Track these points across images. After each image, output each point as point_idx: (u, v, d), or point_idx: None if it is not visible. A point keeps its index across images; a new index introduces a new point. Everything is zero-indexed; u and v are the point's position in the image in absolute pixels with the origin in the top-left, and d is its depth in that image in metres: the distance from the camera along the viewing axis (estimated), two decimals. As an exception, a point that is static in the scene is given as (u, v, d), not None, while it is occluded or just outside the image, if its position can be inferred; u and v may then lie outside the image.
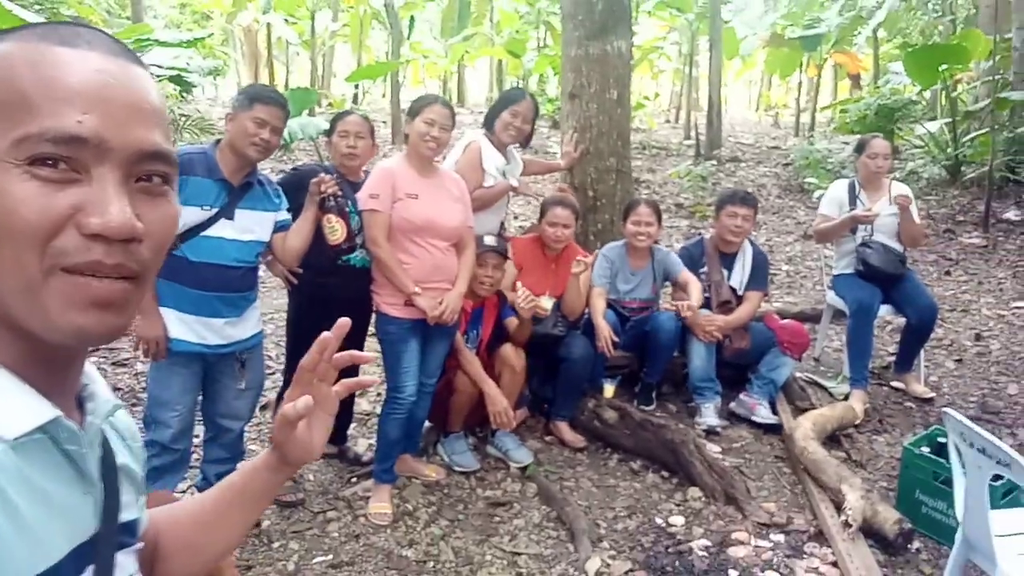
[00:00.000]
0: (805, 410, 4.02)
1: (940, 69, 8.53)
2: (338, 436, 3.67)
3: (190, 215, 2.63)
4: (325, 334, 0.89)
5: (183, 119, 10.48)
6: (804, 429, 3.51)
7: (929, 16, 15.11)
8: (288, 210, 2.93)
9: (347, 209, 3.01)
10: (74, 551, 0.65)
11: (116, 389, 4.25)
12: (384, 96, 22.07)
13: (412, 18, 20.56)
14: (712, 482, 3.32)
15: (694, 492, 3.34)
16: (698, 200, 9.31)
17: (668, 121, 20.92)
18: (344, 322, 0.89)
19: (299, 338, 3.28)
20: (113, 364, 4.55)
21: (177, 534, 0.92)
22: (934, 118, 10.31)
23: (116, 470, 0.75)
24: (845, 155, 10.15)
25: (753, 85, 33.22)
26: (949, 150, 9.42)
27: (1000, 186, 8.34)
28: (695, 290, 3.98)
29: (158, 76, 9.55)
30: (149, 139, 0.65)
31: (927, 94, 10.95)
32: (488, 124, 3.83)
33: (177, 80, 10.23)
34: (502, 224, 4.04)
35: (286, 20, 19.53)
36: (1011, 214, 8.02)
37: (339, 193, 2.92)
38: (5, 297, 0.61)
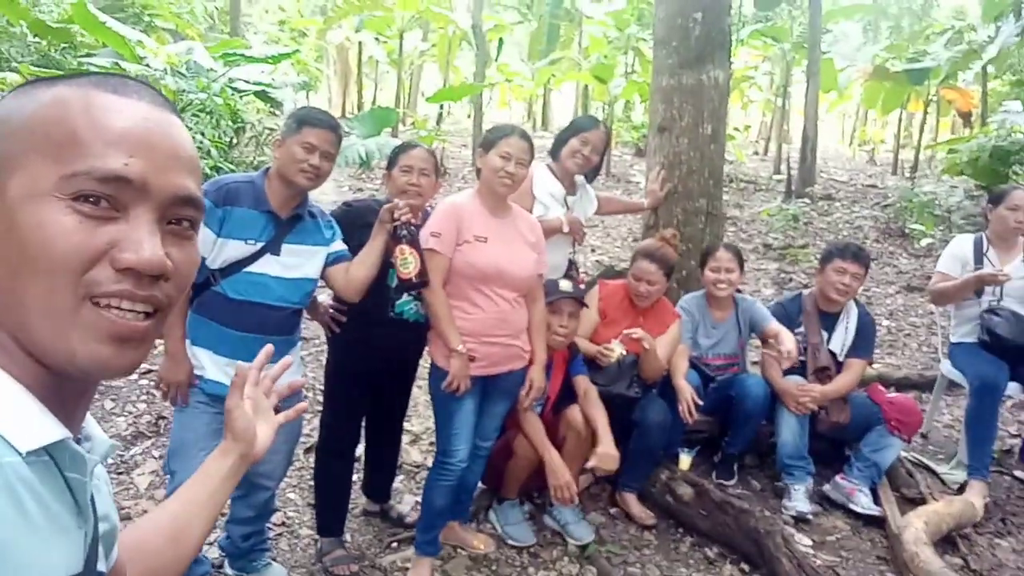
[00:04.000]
0: (912, 500, 3.52)
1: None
2: (381, 491, 3.35)
3: (233, 249, 2.37)
4: (269, 347, 1.10)
5: (267, 132, 10.52)
6: (915, 530, 3.00)
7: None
8: (344, 242, 2.64)
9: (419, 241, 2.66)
10: None
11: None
12: (469, 116, 22.06)
13: (501, 40, 20.54)
14: (802, 585, 2.85)
15: (780, 594, 2.87)
16: (789, 241, 8.75)
17: (757, 153, 20.20)
18: (267, 349, 1.09)
19: (338, 389, 2.97)
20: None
21: (147, 547, 0.96)
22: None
23: (97, 518, 0.75)
24: (955, 200, 9.40)
25: (847, 119, 32.05)
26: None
27: None
28: (788, 339, 3.49)
29: (243, 91, 9.61)
30: (184, 185, 0.70)
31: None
32: (554, 151, 3.49)
33: (262, 96, 10.28)
34: (572, 264, 3.67)
35: (376, 39, 19.77)
36: None
37: (413, 222, 2.58)
38: (32, 324, 0.64)
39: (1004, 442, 4.16)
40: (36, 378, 0.67)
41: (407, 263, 2.52)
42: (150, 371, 4.54)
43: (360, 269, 2.56)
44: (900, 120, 18.58)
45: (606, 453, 3.04)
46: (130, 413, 4.15)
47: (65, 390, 0.69)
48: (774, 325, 3.62)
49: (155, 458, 3.67)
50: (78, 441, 0.74)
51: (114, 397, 4.29)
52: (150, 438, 3.90)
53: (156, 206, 0.68)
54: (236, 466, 1.04)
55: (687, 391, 3.37)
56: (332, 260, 2.58)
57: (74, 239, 0.63)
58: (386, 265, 2.60)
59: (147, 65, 8.33)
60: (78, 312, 0.64)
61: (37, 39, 9.81)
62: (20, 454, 0.61)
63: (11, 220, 0.64)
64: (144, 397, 4.31)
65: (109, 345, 0.66)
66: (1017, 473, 3.85)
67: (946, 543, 3.19)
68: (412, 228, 2.54)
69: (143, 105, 0.69)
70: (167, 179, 0.68)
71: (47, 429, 0.65)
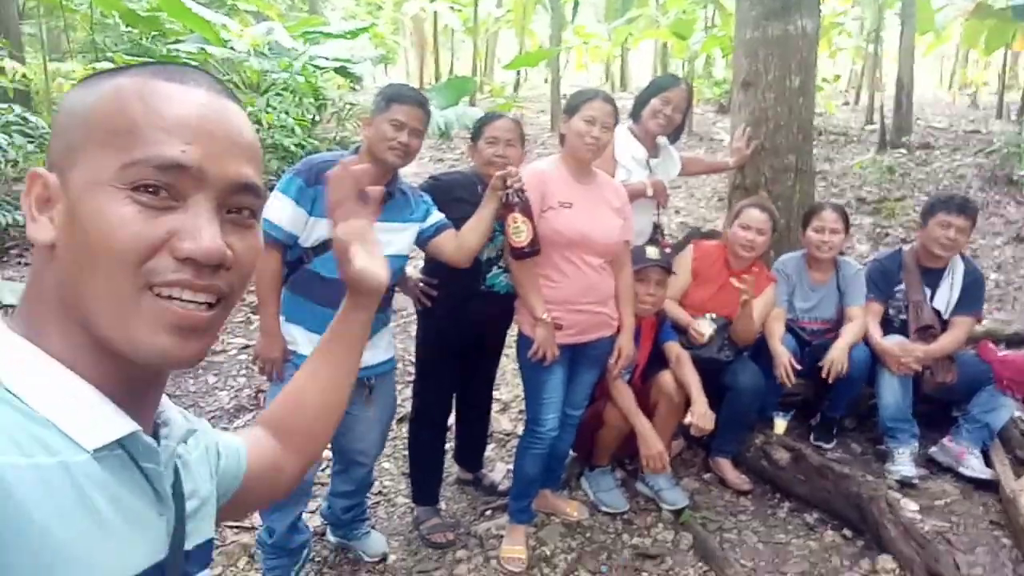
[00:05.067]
0: (1028, 462, 3.34)
1: None
2: (473, 460, 3.40)
3: (324, 228, 2.40)
4: (334, 169, 1.04)
5: (348, 107, 10.67)
6: (1032, 494, 2.85)
7: None
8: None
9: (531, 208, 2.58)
10: (148, 570, 0.66)
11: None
12: (546, 81, 21.83)
13: (576, 2, 20.19)
14: (909, 551, 2.74)
15: (886, 561, 2.77)
16: (884, 194, 8.34)
17: (847, 103, 19.31)
18: (344, 165, 1.05)
19: (430, 362, 3.01)
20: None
21: (299, 412, 1.03)
22: None
23: (183, 498, 0.77)
24: (1067, 142, 8.77)
25: (946, 61, 30.23)
26: None
27: None
28: (850, 332, 3.41)
29: (324, 68, 9.75)
30: (243, 172, 0.70)
31: None
32: (635, 113, 3.41)
33: (342, 71, 10.41)
34: (657, 228, 3.60)
35: (451, 7, 19.72)
36: None
37: (525, 189, 2.56)
38: (96, 316, 0.65)
39: None
40: (104, 371, 0.67)
41: (519, 231, 2.51)
42: (248, 346, 4.72)
43: (472, 236, 2.58)
44: (1005, 59, 17.40)
45: (702, 412, 3.00)
46: (231, 387, 4.33)
47: (134, 381, 0.69)
48: (857, 310, 3.52)
49: (257, 430, 3.82)
50: (156, 427, 0.76)
51: (216, 372, 4.48)
52: (251, 411, 4.06)
53: (215, 194, 0.67)
54: (371, 313, 1.06)
55: (785, 356, 3.28)
56: (435, 231, 2.60)
57: (133, 229, 0.63)
58: (534, 223, 2.57)
59: (232, 48, 8.55)
60: (139, 301, 0.65)
61: (129, 28, 10.20)
62: (88, 452, 0.62)
63: (74, 211, 0.65)
64: (244, 372, 4.49)
65: (171, 335, 0.66)
66: None
67: (1066, 507, 3.02)
68: (524, 195, 2.52)
69: (200, 92, 0.69)
70: (225, 166, 0.68)
71: (115, 424, 0.65)
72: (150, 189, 0.64)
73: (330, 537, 2.94)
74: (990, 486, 3.21)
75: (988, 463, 3.31)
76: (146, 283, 0.64)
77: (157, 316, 0.65)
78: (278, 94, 8.54)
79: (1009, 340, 4.70)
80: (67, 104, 0.70)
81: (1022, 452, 3.42)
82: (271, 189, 2.87)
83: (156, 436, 0.75)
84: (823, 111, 14.41)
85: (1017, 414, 3.59)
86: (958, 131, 12.75)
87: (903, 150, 10.24)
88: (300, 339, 2.49)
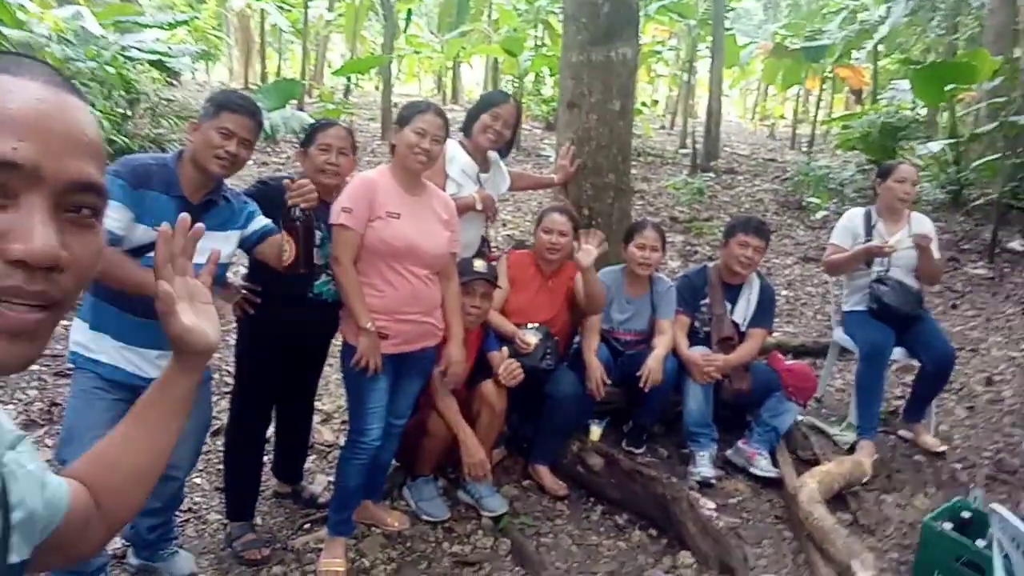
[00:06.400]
0: (807, 461, 3.70)
1: (947, 88, 8.28)
2: (293, 472, 3.32)
3: (140, 234, 2.27)
4: (165, 226, 0.92)
5: (164, 103, 10.04)
6: (809, 490, 3.16)
7: (933, 33, 14.85)
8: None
9: (313, 228, 2.58)
10: None
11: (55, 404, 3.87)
12: (377, 88, 21.62)
13: (409, 11, 20.14)
14: (706, 547, 2.97)
15: (685, 557, 2.98)
16: (694, 214, 8.97)
17: (663, 127, 20.59)
18: (183, 221, 0.96)
19: (250, 370, 2.91)
20: (56, 375, 4.17)
21: (111, 475, 0.93)
22: (929, 138, 10.01)
23: (9, 508, 0.73)
24: (848, 174, 9.84)
25: (749, 94, 32.98)
26: (951, 172, 9.13)
27: (1004, 213, 8.03)
28: (663, 344, 3.65)
29: (137, 60, 9.14)
30: (83, 170, 0.66)
31: (922, 112, 10.73)
32: (467, 128, 3.48)
33: (158, 65, 9.81)
34: (485, 241, 3.68)
35: (280, 7, 19.07)
36: (1016, 244, 7.71)
37: (307, 208, 2.52)
38: None
39: (890, 404, 4.41)
40: None
41: (285, 251, 2.50)
42: (42, 354, 4.32)
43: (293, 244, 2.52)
44: (798, 96, 19.26)
45: (475, 460, 3.09)
46: (20, 401, 3.95)
47: None
48: (666, 324, 3.74)
49: (49, 447, 3.51)
50: None
51: (1, 384, 4.06)
52: (43, 426, 3.73)
53: (50, 193, 0.64)
54: (198, 376, 0.96)
55: (597, 370, 3.44)
56: (259, 238, 2.54)
57: None
58: (309, 245, 2.55)
59: (30, 31, 7.82)
60: None
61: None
62: None
63: None
64: (35, 383, 4.10)
65: None
66: (902, 433, 4.09)
67: (837, 500, 3.37)
68: (305, 214, 2.50)
69: (37, 86, 0.65)
70: (63, 164, 0.64)
71: None
72: None
73: (131, 559, 2.75)
74: (776, 483, 3.53)
75: (775, 462, 3.64)
76: None
77: None
78: (84, 84, 7.90)
79: (796, 351, 5.20)
80: None
81: (803, 452, 3.80)
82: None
83: None
84: (642, 134, 15.27)
85: (799, 418, 3.99)
86: (758, 159, 13.95)
87: (711, 174, 11.07)
88: (106, 347, 2.33)
